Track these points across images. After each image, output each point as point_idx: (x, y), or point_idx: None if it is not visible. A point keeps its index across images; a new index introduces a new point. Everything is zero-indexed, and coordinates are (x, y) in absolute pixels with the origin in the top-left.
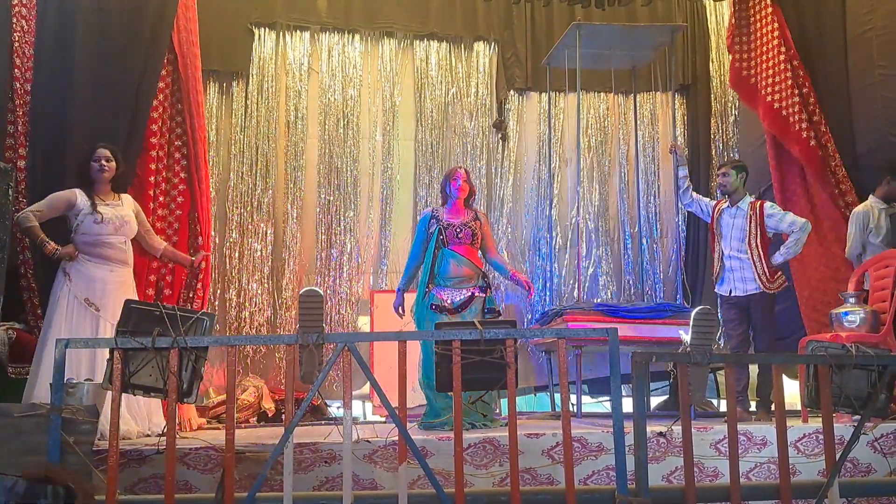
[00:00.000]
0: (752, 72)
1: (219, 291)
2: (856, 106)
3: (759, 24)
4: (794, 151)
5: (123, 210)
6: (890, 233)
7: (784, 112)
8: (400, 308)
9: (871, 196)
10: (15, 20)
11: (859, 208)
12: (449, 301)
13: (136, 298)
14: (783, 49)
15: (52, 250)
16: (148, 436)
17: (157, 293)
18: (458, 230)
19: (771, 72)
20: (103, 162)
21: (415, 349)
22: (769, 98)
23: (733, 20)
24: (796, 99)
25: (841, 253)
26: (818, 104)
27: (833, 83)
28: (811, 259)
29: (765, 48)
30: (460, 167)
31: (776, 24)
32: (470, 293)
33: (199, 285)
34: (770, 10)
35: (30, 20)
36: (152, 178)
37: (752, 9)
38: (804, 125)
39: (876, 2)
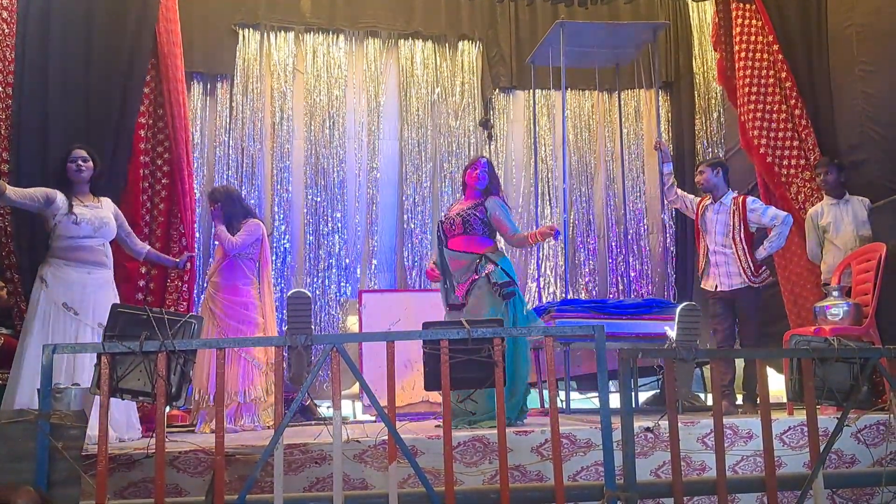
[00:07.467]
0: (730, 73)
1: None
2: (837, 101)
3: (740, 21)
4: (750, 157)
5: (103, 212)
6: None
7: (742, 118)
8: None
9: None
10: None
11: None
12: (461, 296)
13: (118, 301)
14: (760, 48)
15: None
16: (124, 441)
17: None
18: (451, 222)
19: (741, 73)
20: (80, 162)
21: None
22: (739, 102)
23: (717, 18)
24: (752, 106)
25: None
26: (801, 98)
27: (816, 78)
28: (792, 253)
29: (744, 50)
30: (483, 156)
31: (756, 22)
32: (469, 280)
33: (184, 287)
34: (753, 6)
35: (11, 23)
36: (141, 184)
37: (734, 5)
38: (756, 133)
39: None
